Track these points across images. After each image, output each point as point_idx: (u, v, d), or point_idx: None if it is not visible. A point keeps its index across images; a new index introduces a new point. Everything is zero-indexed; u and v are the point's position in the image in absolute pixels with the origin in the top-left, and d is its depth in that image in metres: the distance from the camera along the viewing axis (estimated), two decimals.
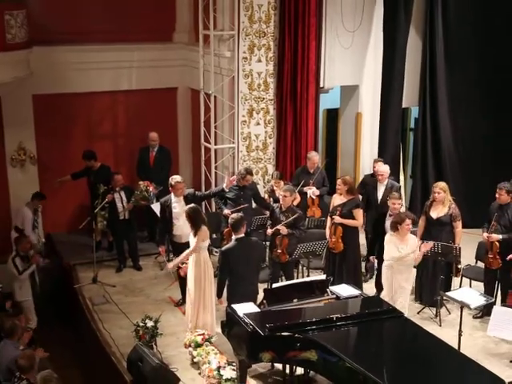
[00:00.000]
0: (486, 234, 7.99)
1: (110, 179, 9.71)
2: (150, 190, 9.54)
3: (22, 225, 9.61)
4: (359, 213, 8.43)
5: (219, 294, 7.34)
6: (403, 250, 7.60)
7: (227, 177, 8.78)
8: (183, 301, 8.35)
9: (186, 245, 7.88)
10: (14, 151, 10.39)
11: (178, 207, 8.44)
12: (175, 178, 8.53)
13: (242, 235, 7.25)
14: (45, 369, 7.16)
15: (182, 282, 8.22)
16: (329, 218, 8.60)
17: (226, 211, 8.85)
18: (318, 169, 9.77)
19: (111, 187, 9.51)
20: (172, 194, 8.51)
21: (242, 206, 8.81)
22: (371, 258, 8.84)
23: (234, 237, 7.26)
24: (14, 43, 9.24)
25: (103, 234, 10.20)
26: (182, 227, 8.32)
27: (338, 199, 8.53)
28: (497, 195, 8.10)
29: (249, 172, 9.18)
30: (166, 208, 8.50)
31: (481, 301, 6.95)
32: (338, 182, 8.50)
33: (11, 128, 10.25)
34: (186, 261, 7.73)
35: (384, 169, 9.12)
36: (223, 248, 7.35)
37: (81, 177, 10.30)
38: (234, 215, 7.37)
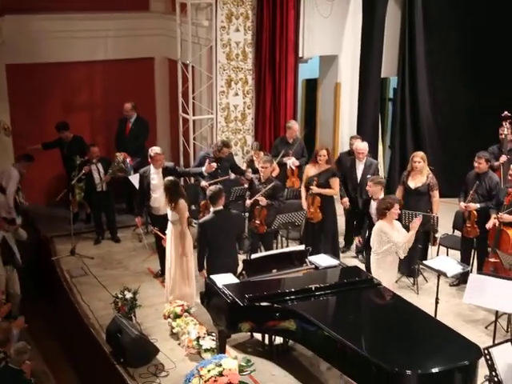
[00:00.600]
0: (463, 204, 8.05)
1: (83, 150, 9.64)
2: (127, 161, 9.46)
3: (6, 184, 9.40)
4: (336, 182, 8.50)
5: (200, 267, 7.31)
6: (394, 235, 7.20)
7: (207, 162, 8.71)
8: (162, 272, 8.36)
9: (164, 217, 7.88)
10: None
11: (157, 179, 8.39)
12: (154, 150, 8.46)
13: (220, 207, 7.21)
14: (24, 341, 7.18)
15: (161, 253, 8.21)
16: (303, 189, 8.60)
17: (204, 183, 8.82)
18: (297, 139, 9.75)
19: (88, 159, 9.41)
20: (151, 165, 8.44)
21: (220, 179, 8.77)
22: (357, 238, 8.46)
23: (212, 209, 7.23)
24: None
25: (80, 206, 10.11)
26: (159, 199, 8.30)
27: (312, 170, 8.54)
28: (476, 164, 8.14)
29: (225, 144, 9.12)
30: (145, 179, 8.46)
31: (457, 269, 7.04)
32: (323, 152, 8.46)
33: None
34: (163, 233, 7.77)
35: (363, 146, 8.79)
36: (200, 220, 7.33)
37: (52, 147, 10.15)
38: (212, 187, 7.33)
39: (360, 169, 8.75)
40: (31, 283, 8.81)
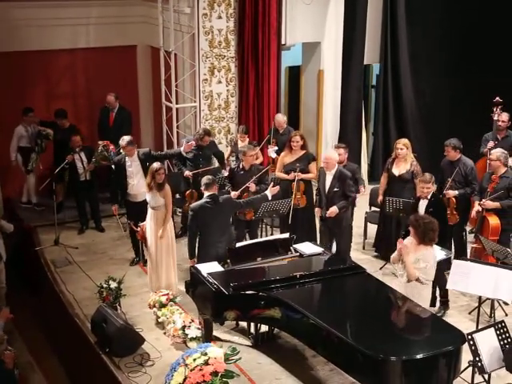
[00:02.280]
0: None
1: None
2: (110, 149, 9.41)
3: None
4: (314, 166, 8.61)
5: (191, 254, 7.26)
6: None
7: (185, 142, 8.67)
8: (138, 259, 8.47)
9: (142, 204, 7.98)
10: None
11: (133, 166, 8.43)
12: (124, 139, 8.45)
13: (213, 192, 7.20)
14: (9, 331, 7.16)
15: (134, 240, 8.34)
16: (282, 175, 8.58)
17: (187, 172, 8.80)
18: (286, 129, 9.72)
19: (70, 148, 9.37)
20: None
21: (204, 169, 8.77)
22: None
23: (205, 193, 7.20)
24: None
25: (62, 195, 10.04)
26: (136, 186, 8.39)
27: (288, 157, 8.57)
28: (445, 152, 8.21)
29: (207, 133, 9.09)
30: (120, 167, 8.48)
31: (441, 255, 7.08)
32: (297, 138, 8.48)
33: None
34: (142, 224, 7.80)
35: (329, 155, 8.06)
36: (193, 205, 7.29)
37: (46, 126, 10.10)
38: (209, 176, 7.30)
39: (328, 180, 8.02)
40: (15, 273, 8.73)
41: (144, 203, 8.01)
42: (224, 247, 7.08)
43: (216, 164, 9.48)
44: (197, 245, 7.25)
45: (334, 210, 7.89)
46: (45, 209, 9.97)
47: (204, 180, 7.26)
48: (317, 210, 8.28)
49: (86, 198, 9.59)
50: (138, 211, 8.28)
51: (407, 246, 6.17)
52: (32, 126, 10.06)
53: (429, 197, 7.46)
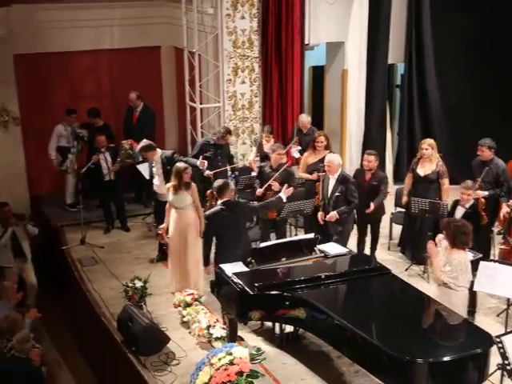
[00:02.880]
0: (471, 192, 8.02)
1: (111, 137, 9.85)
2: (134, 147, 9.49)
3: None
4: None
5: (205, 262, 7.27)
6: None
7: (200, 158, 8.74)
8: (161, 257, 8.52)
9: (164, 204, 8.08)
10: None
11: (156, 168, 8.56)
12: (141, 143, 8.61)
13: (228, 198, 7.15)
14: (37, 329, 7.27)
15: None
16: (306, 175, 8.55)
17: (208, 172, 8.84)
18: (310, 129, 9.72)
19: (96, 148, 9.45)
20: None
21: (223, 168, 8.86)
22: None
23: (219, 201, 7.18)
24: None
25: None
26: (159, 186, 8.51)
27: (311, 157, 8.54)
28: (479, 152, 8.13)
29: (229, 131, 9.21)
30: (149, 165, 8.70)
31: (469, 257, 6.97)
32: (321, 138, 8.47)
33: None
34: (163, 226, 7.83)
35: (330, 158, 7.95)
36: (207, 212, 7.26)
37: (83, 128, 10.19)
38: (219, 181, 7.27)
39: (331, 184, 7.95)
40: (42, 272, 8.85)
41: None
42: (241, 253, 7.01)
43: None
44: (213, 251, 7.25)
45: (333, 215, 7.78)
46: (77, 210, 9.85)
47: (216, 185, 7.17)
48: (319, 214, 8.06)
49: (110, 198, 9.66)
50: (162, 209, 8.35)
51: (433, 248, 6.13)
52: (72, 126, 10.11)
53: (467, 205, 7.31)
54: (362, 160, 11.00)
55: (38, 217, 10.23)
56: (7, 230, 8.30)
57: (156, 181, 8.60)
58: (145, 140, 8.70)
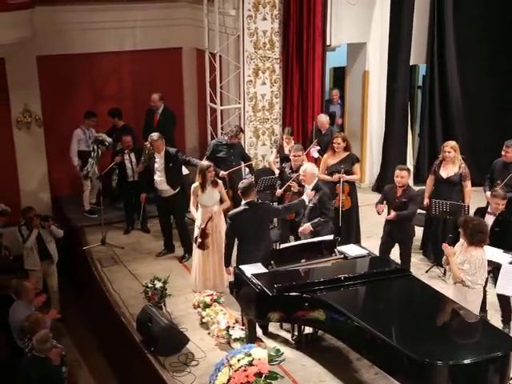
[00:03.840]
0: (489, 193, 7.93)
1: (133, 139, 9.90)
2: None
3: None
4: (358, 167, 8.58)
5: (227, 262, 7.25)
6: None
7: (205, 159, 8.85)
8: (189, 254, 8.53)
9: (169, 199, 8.45)
10: (20, 114, 10.31)
11: (159, 163, 8.66)
12: (151, 136, 8.69)
13: (251, 199, 7.14)
14: (57, 329, 7.32)
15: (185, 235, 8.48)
16: (325, 177, 8.49)
17: (222, 173, 8.85)
18: (329, 129, 9.69)
19: (121, 148, 9.50)
20: None
21: (236, 168, 8.92)
22: None
23: (243, 201, 7.17)
24: (16, 3, 9.06)
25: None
26: (159, 182, 8.66)
27: (331, 159, 8.51)
28: (503, 152, 8.04)
29: (241, 129, 9.33)
30: (151, 161, 8.76)
31: (507, 258, 6.74)
32: (338, 140, 8.44)
33: (16, 90, 10.17)
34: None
35: (304, 168, 7.60)
36: (230, 212, 7.22)
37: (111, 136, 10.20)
38: (245, 180, 7.31)
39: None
40: (63, 272, 8.92)
41: (171, 198, 8.45)
42: (262, 254, 7.00)
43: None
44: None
45: (306, 227, 7.41)
46: (97, 216, 9.91)
47: (241, 186, 7.14)
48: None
49: (133, 199, 9.68)
50: (166, 206, 8.71)
51: (449, 248, 6.11)
52: (90, 129, 10.13)
53: (497, 213, 7.18)
54: (381, 163, 11.04)
55: (59, 218, 10.31)
56: (32, 232, 8.38)
57: (157, 176, 8.68)
58: (155, 133, 8.76)
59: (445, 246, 6.34)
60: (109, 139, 10.02)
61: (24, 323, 6.29)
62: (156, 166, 8.71)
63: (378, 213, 7.91)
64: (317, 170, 7.74)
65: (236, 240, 7.15)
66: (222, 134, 10.26)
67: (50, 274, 8.57)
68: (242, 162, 9.40)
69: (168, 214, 8.92)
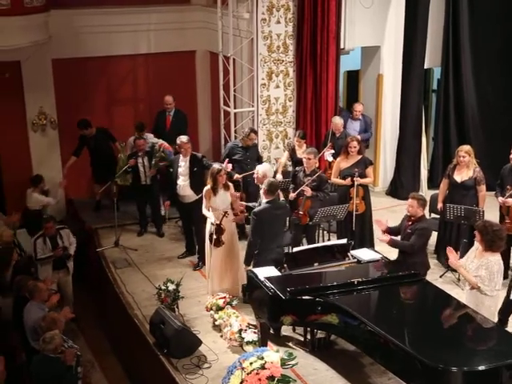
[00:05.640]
0: (501, 199, 7.87)
1: (110, 139, 10.08)
2: (166, 148, 9.54)
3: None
4: (371, 170, 8.58)
5: (248, 261, 7.25)
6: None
7: (226, 162, 8.78)
8: (203, 263, 8.47)
9: (190, 205, 8.38)
10: (35, 116, 10.40)
11: (183, 167, 8.62)
12: (181, 138, 8.68)
13: (274, 198, 7.23)
14: (71, 330, 7.36)
15: (201, 244, 8.35)
16: (339, 180, 8.51)
17: (237, 176, 8.87)
18: (343, 133, 9.67)
19: (134, 152, 9.53)
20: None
21: (251, 172, 8.82)
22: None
23: (264, 199, 7.23)
24: (32, 6, 9.16)
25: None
26: (182, 187, 8.59)
27: (344, 162, 8.51)
28: (511, 156, 7.98)
29: (253, 130, 9.30)
30: (175, 165, 8.70)
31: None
32: (354, 143, 8.43)
33: (32, 93, 10.25)
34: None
35: (259, 168, 8.09)
36: (256, 210, 7.27)
37: (82, 149, 10.25)
38: (271, 179, 7.37)
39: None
40: (77, 274, 8.95)
41: (191, 205, 8.37)
42: (277, 253, 7.09)
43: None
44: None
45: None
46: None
47: (268, 183, 7.24)
48: None
49: (146, 202, 9.70)
50: (187, 212, 8.64)
51: (454, 262, 6.12)
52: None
53: None
54: (395, 167, 11.00)
55: (73, 219, 10.38)
56: (52, 256, 8.27)
57: (180, 181, 8.62)
58: (182, 135, 8.77)
59: (451, 259, 6.19)
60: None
61: (40, 323, 6.32)
62: (180, 170, 8.62)
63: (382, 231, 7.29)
64: (270, 172, 7.90)
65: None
66: (235, 137, 10.31)
67: (65, 284, 8.49)
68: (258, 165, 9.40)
69: (189, 220, 8.81)
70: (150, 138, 9.95)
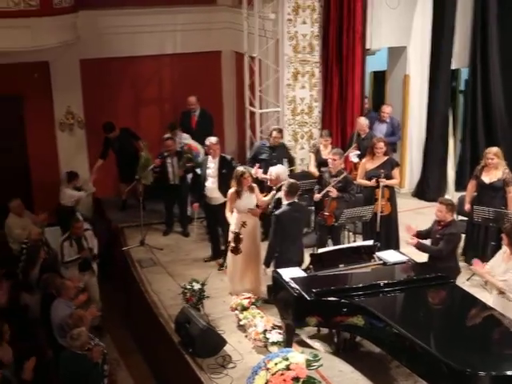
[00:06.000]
0: None
1: (134, 138, 10.12)
2: (193, 149, 9.56)
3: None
4: (397, 172, 8.53)
5: (268, 263, 7.25)
6: None
7: (256, 167, 8.79)
8: (214, 258, 8.63)
9: (217, 207, 8.30)
10: (63, 116, 10.52)
11: (212, 168, 8.62)
12: (210, 139, 8.68)
13: (294, 199, 7.23)
14: (97, 328, 7.42)
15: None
16: (364, 181, 8.47)
17: (257, 172, 8.83)
18: (368, 134, 9.62)
19: (162, 151, 9.56)
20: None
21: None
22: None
23: (285, 201, 7.23)
24: (61, 7, 9.28)
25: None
26: (210, 189, 8.58)
27: (370, 163, 8.47)
28: None
29: (275, 129, 9.30)
30: (203, 167, 8.71)
31: None
32: (380, 144, 8.40)
33: (60, 93, 10.38)
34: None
35: (274, 170, 8.09)
36: (277, 212, 7.25)
37: (108, 151, 10.36)
38: (291, 180, 7.37)
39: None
40: (102, 273, 9.02)
41: (219, 207, 8.30)
42: (297, 255, 7.10)
43: None
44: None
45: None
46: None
47: (288, 186, 7.22)
48: None
49: (174, 202, 9.72)
50: (214, 213, 8.63)
51: (479, 269, 6.08)
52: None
53: None
54: (422, 168, 10.91)
55: (100, 219, 10.48)
56: (78, 258, 8.27)
57: (209, 183, 8.62)
58: (212, 137, 8.79)
59: (476, 267, 6.16)
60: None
61: (67, 320, 6.40)
62: (208, 171, 8.61)
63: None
64: (284, 174, 7.81)
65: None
66: (260, 137, 10.31)
67: (91, 285, 8.47)
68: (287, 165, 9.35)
69: (216, 222, 8.78)
70: (185, 138, 9.99)
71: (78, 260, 8.30)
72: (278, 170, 7.98)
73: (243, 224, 7.49)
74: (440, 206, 6.99)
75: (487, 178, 8.11)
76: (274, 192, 7.74)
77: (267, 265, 7.28)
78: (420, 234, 7.19)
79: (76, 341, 5.99)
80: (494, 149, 8.19)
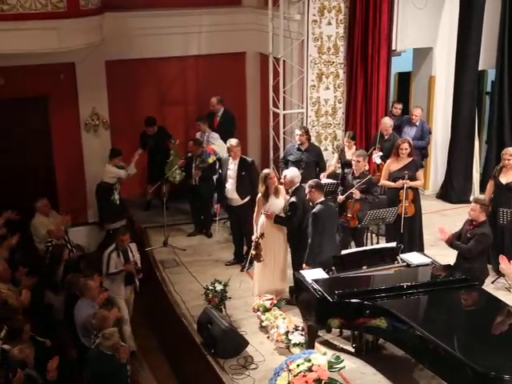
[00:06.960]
0: None
1: (168, 137, 10.12)
2: (206, 150, 9.55)
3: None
4: (421, 173, 8.54)
5: (310, 260, 7.17)
6: None
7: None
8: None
9: (238, 208, 8.36)
10: (88, 116, 10.60)
11: (232, 169, 8.64)
12: (230, 141, 8.72)
13: (324, 199, 7.29)
14: (119, 328, 7.45)
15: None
16: (388, 183, 8.40)
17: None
18: (392, 135, 9.54)
19: (187, 152, 9.60)
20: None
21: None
22: None
23: (318, 200, 7.23)
24: (88, 9, 9.34)
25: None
26: (230, 191, 8.61)
27: (394, 164, 8.40)
28: None
29: (298, 128, 9.28)
30: (223, 167, 8.80)
31: None
32: (405, 145, 8.35)
33: (85, 94, 10.46)
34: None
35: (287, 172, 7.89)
36: (315, 210, 7.22)
37: (145, 145, 10.43)
38: (315, 180, 7.41)
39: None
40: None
41: (240, 208, 8.38)
42: (329, 254, 7.02)
43: None
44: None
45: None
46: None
47: (315, 183, 7.30)
48: None
49: (197, 202, 9.74)
50: (235, 214, 8.66)
51: (506, 268, 5.88)
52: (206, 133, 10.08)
53: None
54: (446, 170, 10.80)
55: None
56: (122, 271, 7.89)
57: (228, 184, 8.65)
58: (232, 138, 8.83)
59: (502, 268, 6.07)
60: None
61: (91, 320, 6.44)
62: (229, 173, 8.67)
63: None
64: (298, 178, 7.69)
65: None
66: (284, 138, 10.29)
67: (128, 301, 8.12)
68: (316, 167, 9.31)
69: (238, 223, 8.80)
70: (213, 137, 10.04)
71: (122, 272, 7.86)
72: (293, 173, 7.79)
73: (261, 236, 7.52)
74: (474, 205, 6.98)
75: (504, 178, 8.04)
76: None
77: (308, 263, 7.19)
78: (452, 236, 7.16)
79: (108, 340, 6.02)
80: (510, 149, 8.10)
